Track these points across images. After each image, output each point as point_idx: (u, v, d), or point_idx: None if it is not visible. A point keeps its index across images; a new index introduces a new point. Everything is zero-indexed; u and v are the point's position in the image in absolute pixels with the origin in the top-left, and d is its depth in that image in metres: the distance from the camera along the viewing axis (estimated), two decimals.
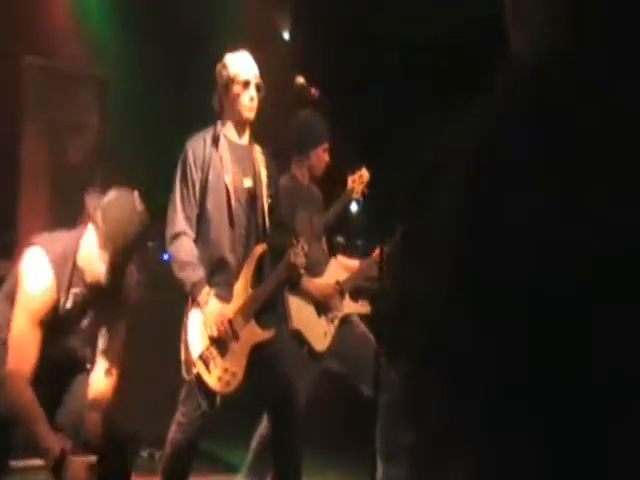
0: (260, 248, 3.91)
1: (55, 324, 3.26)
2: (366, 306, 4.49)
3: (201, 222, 3.85)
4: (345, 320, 4.51)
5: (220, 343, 3.84)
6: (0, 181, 5.38)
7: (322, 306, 4.46)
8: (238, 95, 3.88)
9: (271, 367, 3.91)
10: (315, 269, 4.46)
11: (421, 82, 5.43)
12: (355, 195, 4.38)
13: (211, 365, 3.80)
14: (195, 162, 3.84)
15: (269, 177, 3.98)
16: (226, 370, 3.82)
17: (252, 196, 3.90)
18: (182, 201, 3.84)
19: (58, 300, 3.26)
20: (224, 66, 3.94)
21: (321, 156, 4.52)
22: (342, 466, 5.14)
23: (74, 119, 5.73)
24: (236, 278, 3.87)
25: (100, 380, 3.45)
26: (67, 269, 3.27)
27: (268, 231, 3.95)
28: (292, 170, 4.54)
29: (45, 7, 5.64)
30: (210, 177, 3.83)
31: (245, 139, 3.99)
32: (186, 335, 3.82)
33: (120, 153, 5.76)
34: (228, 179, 3.86)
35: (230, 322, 3.83)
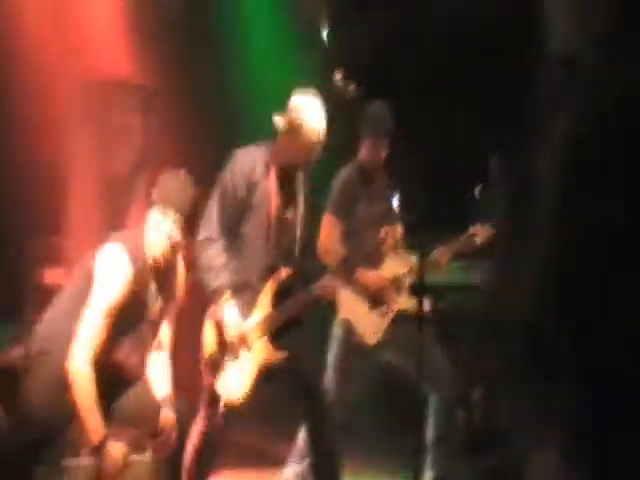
0: (285, 271, 3.93)
1: (125, 317, 3.39)
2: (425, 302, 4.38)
3: (236, 240, 3.90)
4: (404, 316, 4.40)
5: (231, 351, 3.87)
6: (49, 190, 5.42)
7: (375, 300, 4.40)
8: (299, 146, 3.87)
9: (290, 384, 3.93)
10: (372, 261, 4.42)
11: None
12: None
13: (220, 371, 3.84)
14: (242, 178, 3.86)
15: (306, 207, 4.01)
16: (233, 379, 3.83)
17: (289, 225, 3.96)
18: (220, 210, 3.87)
19: (134, 291, 3.40)
20: (296, 109, 3.88)
21: (385, 147, 4.46)
22: (387, 463, 5.05)
23: (120, 127, 5.76)
24: (258, 299, 3.92)
25: (165, 376, 3.63)
26: (141, 259, 3.43)
27: (298, 259, 3.99)
28: (358, 159, 4.52)
29: (95, 20, 5.67)
30: (254, 201, 3.86)
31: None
32: (203, 338, 3.90)
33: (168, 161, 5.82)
34: (272, 209, 3.90)
35: (245, 333, 3.86)
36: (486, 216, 4.52)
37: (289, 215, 3.97)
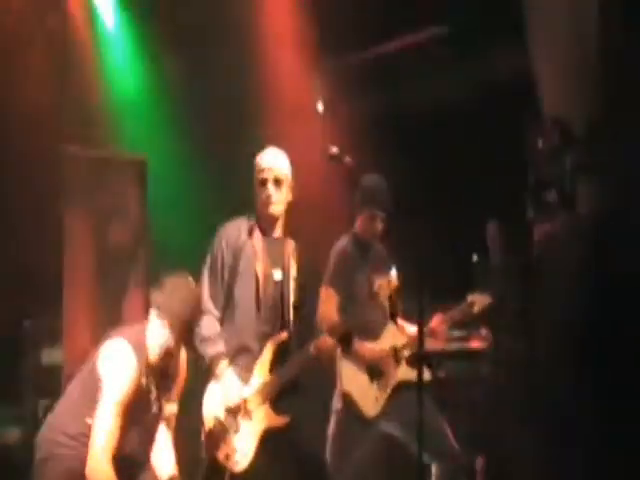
0: (282, 335, 3.97)
1: (132, 410, 3.41)
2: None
3: (228, 306, 3.96)
4: (401, 386, 4.40)
5: (233, 420, 3.86)
6: (45, 268, 5.45)
7: (375, 371, 4.40)
8: (259, 191, 4.02)
9: (291, 453, 3.91)
10: (371, 332, 4.43)
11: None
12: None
13: (221, 442, 3.82)
14: (227, 247, 3.98)
15: (299, 271, 4.06)
16: (235, 449, 3.81)
17: (280, 288, 4.00)
18: (210, 281, 3.97)
19: (139, 384, 3.44)
20: (256, 160, 4.08)
21: (382, 218, 4.48)
22: None
23: (114, 203, 5.79)
24: (255, 363, 3.94)
25: (171, 457, 3.68)
26: (144, 355, 3.46)
27: (291, 323, 4.01)
28: (354, 230, 4.55)
29: (81, 92, 5.73)
30: (241, 265, 3.95)
31: (277, 232, 4.08)
32: (202, 409, 3.90)
33: (162, 235, 5.84)
34: (259, 268, 3.97)
35: (245, 401, 3.86)
36: (484, 285, 4.54)
37: (278, 277, 4.01)
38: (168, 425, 3.72)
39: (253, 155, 4.15)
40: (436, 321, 4.45)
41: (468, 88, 5.57)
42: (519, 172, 4.32)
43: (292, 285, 4.04)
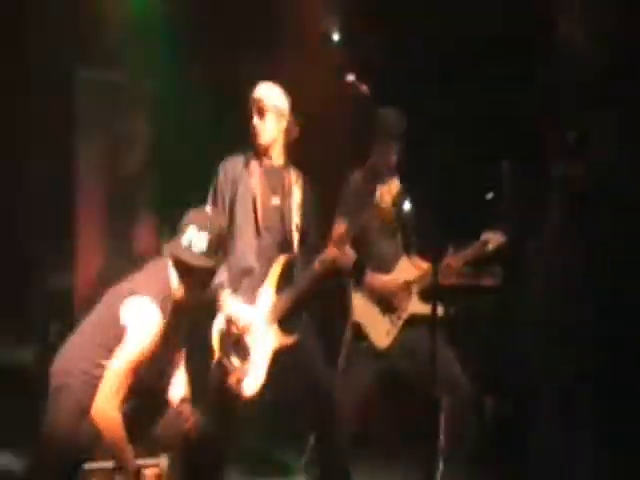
0: (285, 257, 4.05)
1: (153, 355, 3.47)
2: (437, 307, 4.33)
3: (230, 233, 4.00)
4: (413, 319, 4.40)
5: (241, 345, 3.92)
6: (56, 194, 5.44)
7: (386, 304, 4.40)
8: (250, 121, 4.11)
9: (300, 376, 3.99)
10: (384, 265, 4.43)
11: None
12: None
13: (231, 368, 3.89)
14: (226, 179, 4.09)
15: (303, 198, 4.13)
16: (245, 372, 3.88)
17: (280, 213, 4.09)
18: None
19: (163, 334, 3.48)
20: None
21: (392, 152, 4.45)
22: (400, 470, 4.99)
23: (127, 130, 5.76)
24: (260, 284, 4.00)
25: (184, 383, 3.74)
26: (168, 301, 3.51)
27: (296, 245, 4.09)
28: (369, 163, 4.52)
29: (96, 19, 5.64)
30: (239, 193, 4.05)
31: (277, 162, 4.15)
32: (211, 340, 3.96)
33: (170, 166, 5.81)
34: (257, 194, 4.06)
35: (252, 323, 3.93)
36: (498, 222, 4.52)
37: (277, 202, 4.11)
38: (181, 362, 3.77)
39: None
40: (450, 258, 4.43)
41: (491, 25, 5.46)
42: (534, 111, 4.28)
43: (296, 211, 4.10)
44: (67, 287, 5.40)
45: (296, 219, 4.10)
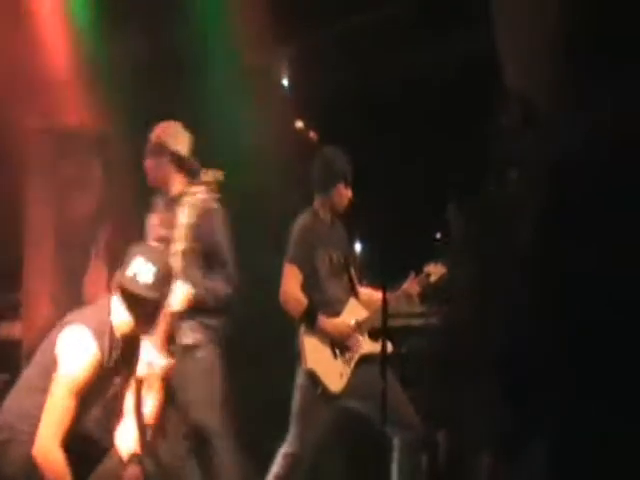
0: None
1: (90, 392, 3.37)
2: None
3: None
4: (365, 360, 4.41)
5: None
6: (5, 241, 5.39)
7: (339, 346, 4.42)
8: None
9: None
10: (333, 307, 4.45)
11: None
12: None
13: None
14: None
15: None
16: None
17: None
18: None
19: (101, 364, 3.37)
20: None
21: (343, 192, 4.49)
22: None
23: (77, 175, 5.72)
24: None
25: (132, 433, 3.56)
26: (106, 339, 3.39)
27: None
28: (314, 207, 4.54)
29: (45, 67, 5.62)
30: None
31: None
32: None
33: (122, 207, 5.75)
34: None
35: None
36: (442, 256, 4.59)
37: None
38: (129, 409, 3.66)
39: None
40: (409, 284, 4.54)
41: (435, 65, 5.55)
42: (482, 149, 4.35)
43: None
44: (15, 337, 5.35)
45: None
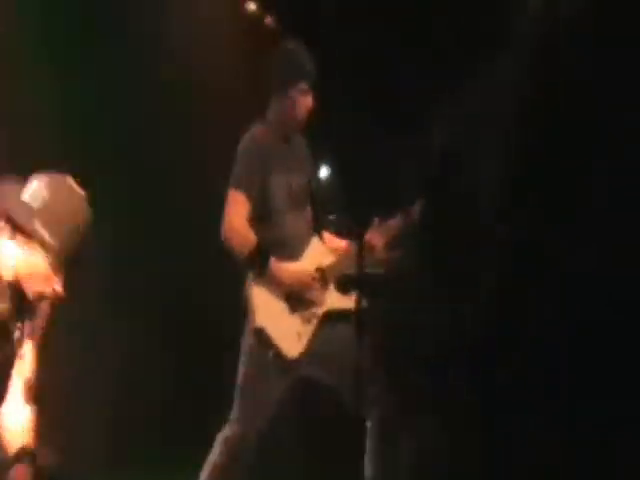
0: None
1: None
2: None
3: None
4: (330, 317, 3.84)
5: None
6: None
7: (297, 300, 3.79)
8: None
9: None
10: (291, 249, 3.84)
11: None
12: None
13: None
14: None
15: None
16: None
17: None
18: None
19: None
20: None
21: (303, 97, 3.88)
22: None
23: None
24: None
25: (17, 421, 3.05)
26: None
27: None
28: (267, 116, 3.93)
29: None
30: None
31: None
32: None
33: None
34: None
35: None
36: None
37: None
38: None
39: None
40: (372, 233, 3.89)
41: None
42: None
43: None
44: None
45: None
